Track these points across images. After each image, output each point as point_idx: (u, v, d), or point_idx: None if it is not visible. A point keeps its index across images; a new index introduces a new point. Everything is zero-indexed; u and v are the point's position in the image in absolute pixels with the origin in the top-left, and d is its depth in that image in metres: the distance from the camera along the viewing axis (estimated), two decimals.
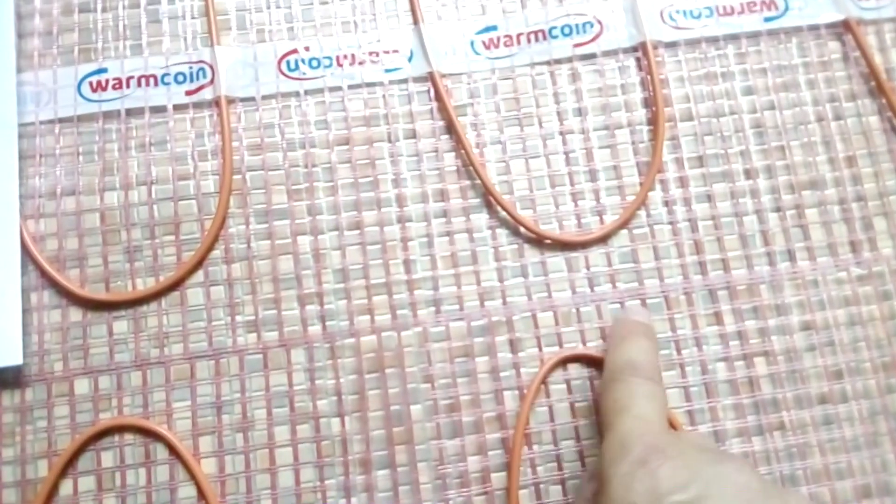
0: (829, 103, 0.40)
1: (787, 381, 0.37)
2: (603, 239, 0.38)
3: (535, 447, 0.35)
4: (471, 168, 0.39)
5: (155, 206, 0.38)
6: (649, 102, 0.40)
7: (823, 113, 0.40)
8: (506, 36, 0.40)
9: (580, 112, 0.40)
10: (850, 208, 0.39)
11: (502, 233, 0.38)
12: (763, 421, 0.36)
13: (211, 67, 0.39)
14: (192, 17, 0.40)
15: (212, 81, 0.39)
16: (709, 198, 0.39)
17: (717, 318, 0.37)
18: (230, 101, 0.39)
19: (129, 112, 0.39)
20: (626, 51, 0.41)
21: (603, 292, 0.37)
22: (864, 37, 0.41)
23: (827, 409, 0.36)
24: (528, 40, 0.40)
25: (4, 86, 0.38)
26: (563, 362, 0.36)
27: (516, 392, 0.36)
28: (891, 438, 0.36)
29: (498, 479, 0.35)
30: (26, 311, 0.36)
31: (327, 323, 0.37)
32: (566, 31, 0.40)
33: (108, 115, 0.39)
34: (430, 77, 0.40)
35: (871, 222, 0.39)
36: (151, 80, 0.39)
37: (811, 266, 0.38)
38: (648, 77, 0.40)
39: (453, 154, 0.39)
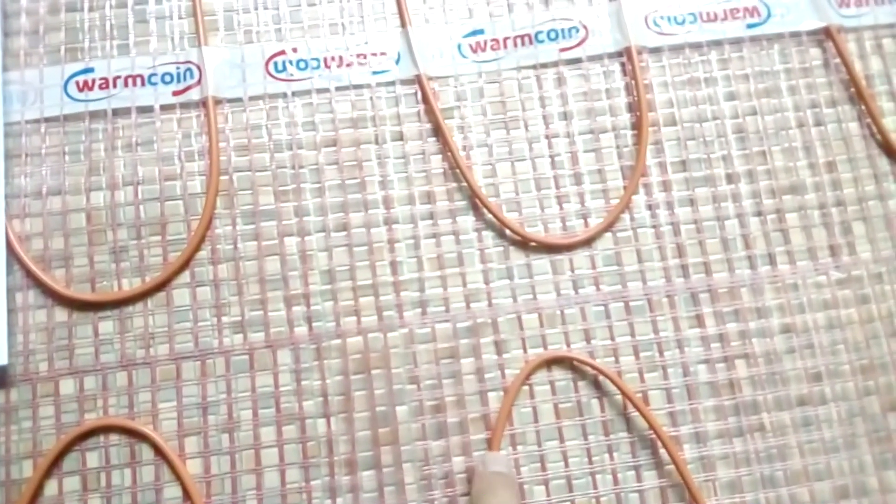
0: (809, 109, 0.41)
1: (767, 384, 0.37)
2: (587, 242, 0.39)
3: (520, 447, 0.36)
4: (457, 171, 0.39)
5: (141, 207, 0.38)
6: (633, 107, 0.40)
7: (804, 119, 0.41)
8: (493, 39, 0.41)
9: (565, 116, 0.40)
10: (830, 213, 0.40)
11: (488, 235, 0.39)
12: (744, 422, 0.37)
13: (198, 68, 0.39)
14: (180, 18, 0.40)
15: (199, 82, 0.39)
16: (691, 202, 0.39)
17: (699, 320, 0.38)
18: (217, 101, 0.39)
19: (116, 112, 0.39)
20: (610, 56, 0.41)
21: (587, 294, 0.38)
22: (844, 44, 0.42)
23: (806, 410, 0.37)
24: (515, 44, 0.41)
25: None
26: (547, 364, 0.37)
27: (501, 393, 0.36)
28: (868, 440, 0.37)
29: None
30: (11, 311, 0.36)
31: (314, 324, 0.37)
32: (552, 35, 0.41)
33: (94, 115, 0.39)
34: (418, 80, 0.40)
35: (850, 227, 0.39)
36: (138, 80, 0.39)
37: (791, 270, 0.39)
38: (633, 82, 0.40)
39: (440, 157, 0.39)
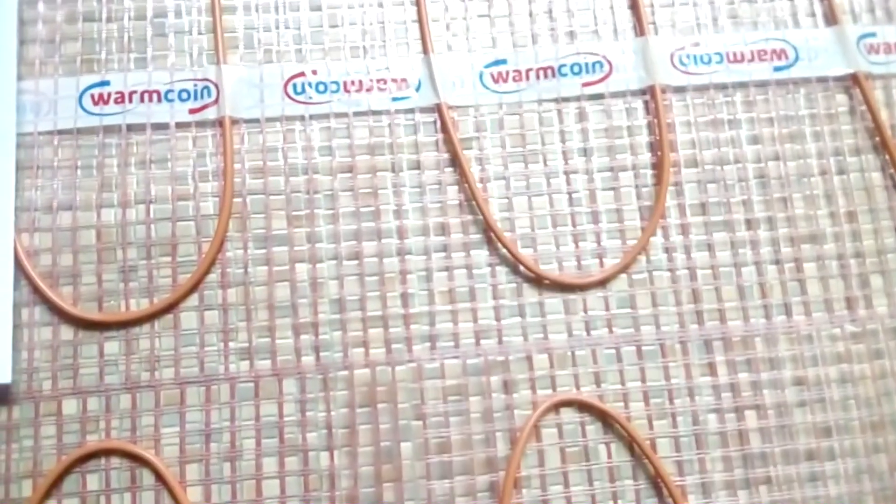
0: (833, 157, 0.40)
1: (776, 436, 0.37)
2: (602, 282, 0.38)
3: (524, 491, 0.35)
4: (473, 203, 0.38)
5: (152, 226, 0.37)
6: (655, 146, 0.40)
7: (827, 166, 0.40)
8: (515, 70, 0.40)
9: (585, 152, 0.40)
10: (848, 264, 0.39)
11: (501, 270, 0.38)
12: (750, 475, 0.36)
13: (216, 86, 0.39)
14: (199, 33, 0.40)
15: (216, 101, 0.39)
16: (709, 247, 0.39)
17: (711, 368, 0.37)
18: (234, 121, 0.38)
19: (131, 127, 0.38)
20: (634, 93, 0.40)
21: (599, 337, 0.37)
22: (871, 91, 0.41)
23: (814, 465, 0.37)
24: (537, 76, 0.40)
25: (4, 93, 0.38)
26: (556, 406, 0.36)
27: (508, 434, 0.36)
28: (874, 498, 0.36)
29: None
30: (17, 328, 0.36)
31: (321, 354, 0.36)
32: (575, 69, 0.40)
33: (108, 130, 0.38)
34: (437, 108, 0.39)
35: (867, 279, 0.39)
36: (154, 96, 0.39)
37: (806, 321, 0.38)
38: (655, 121, 0.40)
39: (456, 188, 0.39)
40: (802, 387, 0.37)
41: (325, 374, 0.36)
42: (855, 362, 0.38)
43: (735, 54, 0.41)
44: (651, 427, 0.36)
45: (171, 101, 0.39)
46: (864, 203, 0.40)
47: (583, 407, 0.37)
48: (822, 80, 0.41)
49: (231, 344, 0.36)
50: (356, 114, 0.39)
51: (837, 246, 0.39)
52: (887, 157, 0.40)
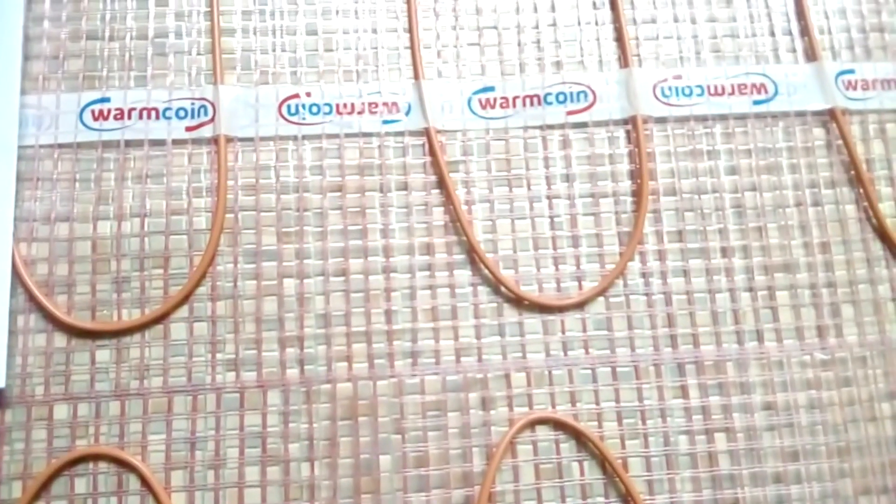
0: (808, 189, 0.42)
1: (744, 459, 0.38)
2: (580, 305, 0.39)
3: None
4: (458, 224, 0.40)
5: (146, 239, 0.39)
6: (635, 175, 0.41)
7: (802, 198, 0.42)
8: (502, 97, 0.42)
9: (568, 178, 0.41)
10: (820, 293, 0.40)
11: (483, 291, 0.39)
12: (718, 496, 0.37)
13: (212, 105, 0.40)
14: (198, 54, 0.41)
15: (212, 119, 0.40)
16: (685, 273, 0.40)
17: (683, 391, 0.38)
18: (229, 140, 0.40)
19: (129, 143, 0.40)
20: (616, 122, 0.42)
21: (575, 357, 0.39)
22: (847, 126, 0.42)
23: (780, 488, 0.38)
24: (524, 104, 0.42)
25: (7, 107, 0.39)
26: (532, 424, 0.38)
27: (484, 450, 0.37)
28: None
29: None
30: (12, 334, 0.37)
31: (305, 367, 0.38)
32: (561, 98, 0.42)
33: (107, 145, 0.40)
34: (426, 132, 0.41)
35: (838, 309, 0.40)
36: (153, 114, 0.40)
37: (778, 348, 0.39)
38: (636, 150, 0.41)
39: (442, 209, 0.40)
40: (772, 411, 0.38)
41: (308, 386, 0.37)
42: (824, 389, 0.39)
43: (716, 87, 0.42)
44: (623, 446, 0.38)
45: (168, 118, 0.40)
46: (837, 234, 0.41)
47: (558, 425, 0.38)
48: (801, 114, 0.43)
49: (218, 355, 0.37)
50: (347, 135, 0.40)
51: (810, 275, 0.41)
52: (861, 190, 0.42)
